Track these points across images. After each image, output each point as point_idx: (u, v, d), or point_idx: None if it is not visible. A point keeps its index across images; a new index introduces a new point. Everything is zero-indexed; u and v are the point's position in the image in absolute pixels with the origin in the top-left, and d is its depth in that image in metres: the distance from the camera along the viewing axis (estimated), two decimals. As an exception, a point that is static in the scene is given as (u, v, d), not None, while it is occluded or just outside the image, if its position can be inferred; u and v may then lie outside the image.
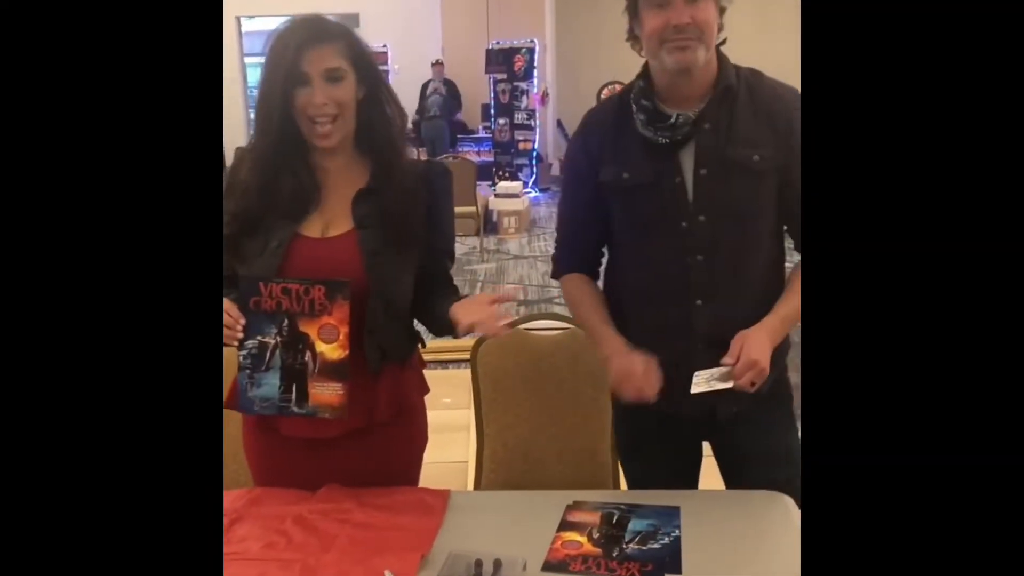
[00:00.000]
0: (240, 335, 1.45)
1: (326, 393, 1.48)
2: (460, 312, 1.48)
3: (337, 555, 1.38)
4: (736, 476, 1.71)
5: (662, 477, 1.68)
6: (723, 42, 1.54)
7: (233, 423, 1.67)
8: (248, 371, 1.47)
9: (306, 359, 1.47)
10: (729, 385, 1.46)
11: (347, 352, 1.47)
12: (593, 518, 1.51)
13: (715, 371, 1.47)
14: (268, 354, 1.47)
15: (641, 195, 1.55)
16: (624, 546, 1.42)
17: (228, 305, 1.44)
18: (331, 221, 1.54)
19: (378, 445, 1.60)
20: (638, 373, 1.50)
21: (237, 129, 9.47)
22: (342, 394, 1.48)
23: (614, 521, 1.49)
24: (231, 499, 1.53)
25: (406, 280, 1.58)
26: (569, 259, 1.72)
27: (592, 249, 1.70)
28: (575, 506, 1.55)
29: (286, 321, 1.46)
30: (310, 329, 1.46)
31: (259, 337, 1.46)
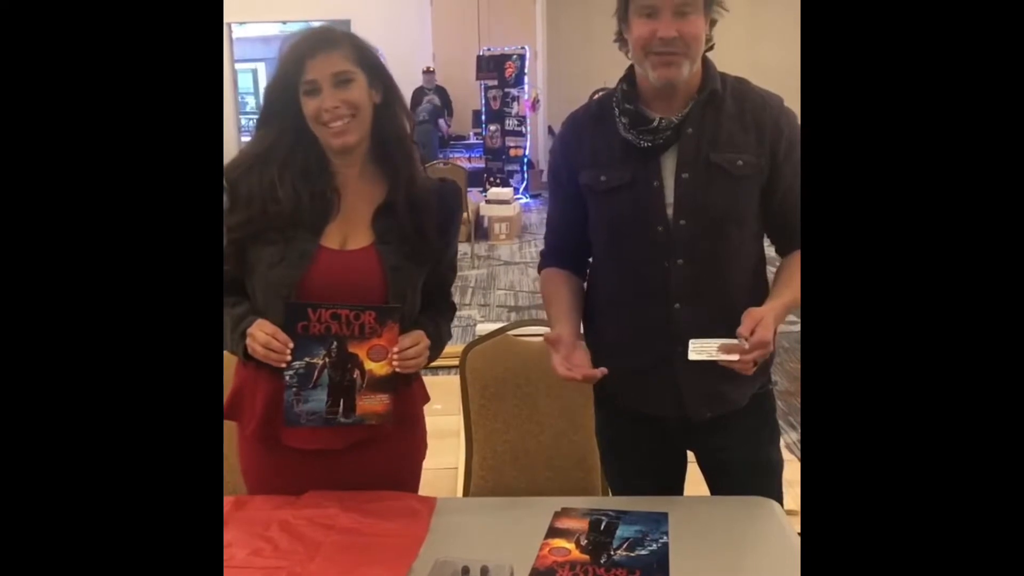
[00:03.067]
0: (288, 358, 1.46)
1: (373, 404, 1.52)
2: None
3: (323, 562, 1.37)
4: (716, 485, 1.71)
5: (644, 483, 1.67)
6: (710, 48, 1.54)
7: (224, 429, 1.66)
8: (295, 389, 1.49)
9: (354, 376, 1.50)
10: (733, 359, 1.40)
11: (394, 368, 1.51)
12: (581, 525, 1.50)
13: (718, 341, 1.43)
14: (316, 373, 1.49)
15: (618, 198, 1.54)
16: (612, 553, 1.41)
17: (274, 329, 1.46)
18: (350, 233, 1.54)
19: (380, 455, 1.60)
20: (570, 356, 1.48)
21: (228, 135, 9.45)
22: (387, 403, 1.52)
23: (602, 528, 1.49)
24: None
25: (418, 295, 1.59)
26: (552, 257, 1.72)
27: (577, 250, 1.69)
28: (563, 512, 1.54)
29: (335, 343, 1.48)
30: (359, 350, 1.49)
31: (307, 358, 1.48)
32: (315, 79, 1.47)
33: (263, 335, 1.45)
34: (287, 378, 1.48)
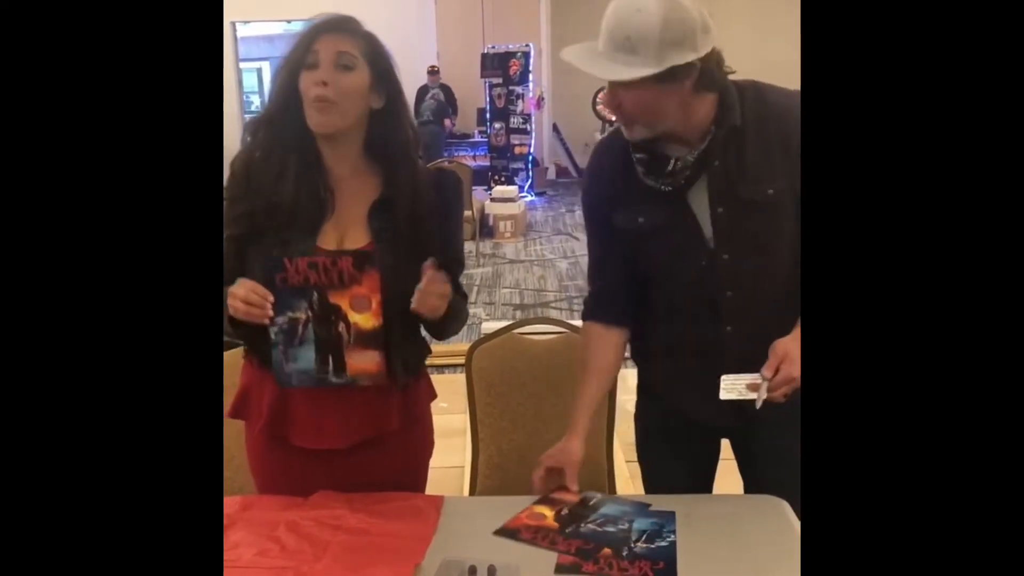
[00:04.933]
0: (270, 313, 1.42)
1: (364, 361, 1.48)
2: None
3: (329, 562, 1.36)
4: (748, 474, 1.72)
5: (676, 466, 1.70)
6: (731, 73, 1.50)
7: (230, 429, 1.66)
8: (281, 347, 1.47)
9: (340, 330, 1.47)
10: (762, 397, 1.45)
11: (380, 321, 1.47)
12: (575, 499, 1.56)
13: (746, 377, 1.47)
14: (300, 328, 1.46)
15: (656, 239, 1.55)
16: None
17: (253, 284, 1.42)
18: (345, 232, 1.53)
19: (388, 453, 1.60)
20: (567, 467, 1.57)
21: (232, 134, 9.41)
22: (379, 361, 1.48)
23: (590, 503, 1.53)
24: (224, 505, 1.52)
25: None
26: (598, 305, 1.68)
27: (624, 288, 1.65)
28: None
29: (316, 295, 1.45)
30: (341, 301, 1.46)
31: (289, 313, 1.45)
32: (316, 52, 1.45)
33: (242, 290, 1.41)
34: (272, 336, 1.45)
